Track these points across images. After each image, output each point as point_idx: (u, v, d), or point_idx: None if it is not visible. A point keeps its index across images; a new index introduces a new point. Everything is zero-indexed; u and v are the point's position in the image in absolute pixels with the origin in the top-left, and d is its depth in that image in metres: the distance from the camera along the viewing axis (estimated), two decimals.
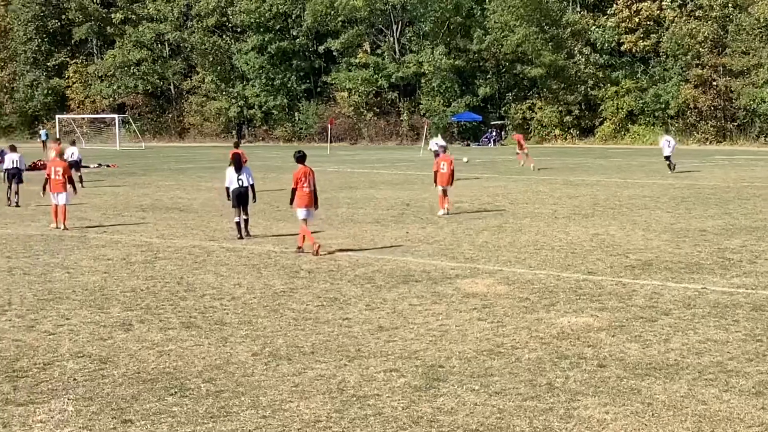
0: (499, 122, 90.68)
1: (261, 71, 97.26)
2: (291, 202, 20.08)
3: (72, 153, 39.74)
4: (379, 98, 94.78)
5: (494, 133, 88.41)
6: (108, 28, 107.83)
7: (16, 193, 31.08)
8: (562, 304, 14.18)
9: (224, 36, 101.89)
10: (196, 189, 37.23)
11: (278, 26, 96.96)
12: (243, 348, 11.81)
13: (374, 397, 9.71)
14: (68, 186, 24.97)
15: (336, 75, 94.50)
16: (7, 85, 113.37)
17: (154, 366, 11.04)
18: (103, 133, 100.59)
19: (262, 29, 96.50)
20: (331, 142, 79.36)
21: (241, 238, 22.12)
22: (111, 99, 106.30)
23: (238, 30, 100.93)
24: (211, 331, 12.74)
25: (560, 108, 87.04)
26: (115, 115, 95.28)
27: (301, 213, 19.88)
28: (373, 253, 19.61)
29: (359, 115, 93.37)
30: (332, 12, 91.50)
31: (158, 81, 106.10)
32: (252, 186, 22.23)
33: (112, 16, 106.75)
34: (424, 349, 11.67)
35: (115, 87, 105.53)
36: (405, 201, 31.04)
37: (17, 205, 30.62)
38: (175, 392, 9.98)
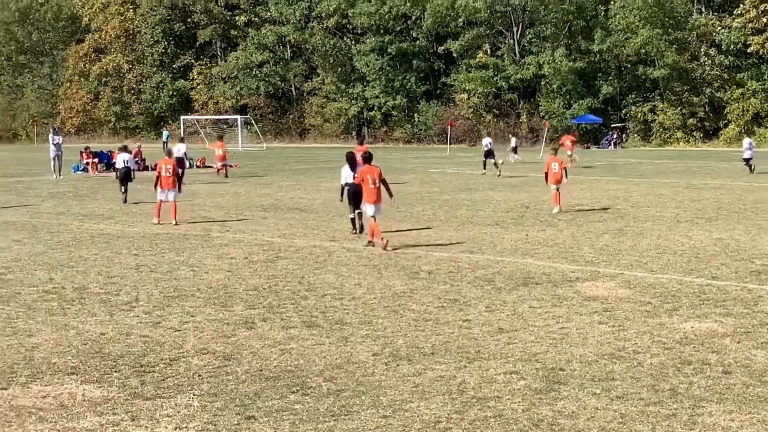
0: (619, 124, 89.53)
1: (381, 72, 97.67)
2: (364, 199, 21.37)
3: (179, 149, 40.72)
4: (498, 100, 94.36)
5: (614, 135, 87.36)
6: (231, 30, 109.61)
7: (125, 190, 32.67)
8: (685, 309, 13.97)
9: (345, 38, 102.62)
10: (317, 189, 37.57)
11: (398, 28, 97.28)
12: (363, 348, 11.90)
13: (494, 399, 9.70)
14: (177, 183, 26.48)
15: (455, 76, 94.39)
16: (134, 86, 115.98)
17: (276, 364, 11.19)
18: (226, 134, 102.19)
19: (382, 31, 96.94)
20: (450, 143, 79.38)
21: (356, 232, 23.14)
22: (234, 100, 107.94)
23: (359, 32, 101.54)
24: (332, 330, 12.87)
25: (683, 110, 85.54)
26: (238, 116, 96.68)
27: (369, 209, 21.05)
28: (493, 255, 19.57)
29: (478, 117, 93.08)
30: (452, 13, 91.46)
31: (280, 82, 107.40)
32: None
33: (236, 18, 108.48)
34: (545, 351, 11.62)
35: (237, 88, 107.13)
36: (524, 203, 30.88)
37: (125, 202, 31.80)
38: (297, 390, 10.11)
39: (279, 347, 11.94)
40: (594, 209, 28.88)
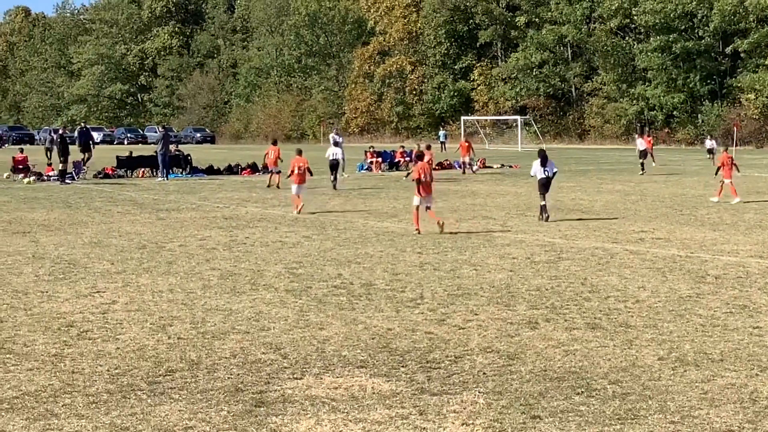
0: None
1: (663, 72, 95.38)
2: (418, 191, 24.02)
3: (334, 153, 41.16)
4: None
5: None
6: (512, 31, 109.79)
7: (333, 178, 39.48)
8: None
9: (626, 37, 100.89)
10: (597, 191, 37.20)
11: (683, 26, 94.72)
12: (649, 351, 11.73)
13: None
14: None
15: (743, 76, 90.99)
16: (416, 87, 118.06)
17: (560, 365, 11.19)
18: (505, 134, 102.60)
19: (666, 29, 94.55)
20: (735, 145, 76.69)
21: (542, 219, 26.34)
22: (513, 101, 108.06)
23: (641, 31, 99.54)
24: (616, 333, 12.74)
25: None
26: (517, 117, 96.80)
27: (416, 200, 24.01)
28: None
29: (766, 118, 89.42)
30: (742, 11, 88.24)
31: (559, 83, 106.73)
32: (554, 175, 26.98)
33: (516, 19, 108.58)
34: None
35: (517, 89, 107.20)
36: None
37: (334, 188, 38.63)
38: (582, 392, 10.08)
39: (563, 348, 11.94)
40: None
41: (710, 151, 57.47)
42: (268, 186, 40.02)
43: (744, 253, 19.98)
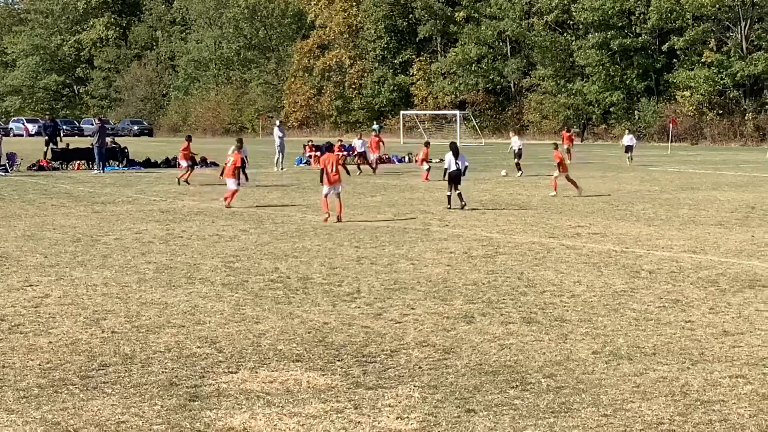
0: None
1: (601, 68, 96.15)
2: (321, 180, 25.46)
3: (244, 151, 40.95)
4: (722, 97, 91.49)
5: None
6: (451, 26, 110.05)
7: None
8: None
9: (565, 33, 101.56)
10: (535, 186, 37.43)
11: (621, 23, 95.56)
12: (583, 345, 11.82)
13: (719, 402, 9.49)
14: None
15: (678, 73, 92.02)
16: (356, 81, 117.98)
17: (496, 359, 11.24)
18: (444, 129, 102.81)
19: (604, 26, 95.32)
20: (671, 141, 77.56)
21: (449, 208, 27.85)
22: (452, 96, 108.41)
23: (579, 27, 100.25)
24: (551, 327, 12.83)
25: None
26: (456, 112, 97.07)
27: (324, 189, 25.06)
28: (717, 256, 19.09)
29: (701, 115, 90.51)
30: (678, 9, 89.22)
31: (498, 78, 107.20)
32: (466, 168, 29.28)
33: (456, 14, 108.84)
34: None
35: (456, 84, 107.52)
36: (750, 204, 29.95)
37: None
38: (516, 385, 10.13)
39: (498, 342, 11.99)
40: None
41: (628, 149, 54.25)
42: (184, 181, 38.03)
43: (678, 248, 20.22)
